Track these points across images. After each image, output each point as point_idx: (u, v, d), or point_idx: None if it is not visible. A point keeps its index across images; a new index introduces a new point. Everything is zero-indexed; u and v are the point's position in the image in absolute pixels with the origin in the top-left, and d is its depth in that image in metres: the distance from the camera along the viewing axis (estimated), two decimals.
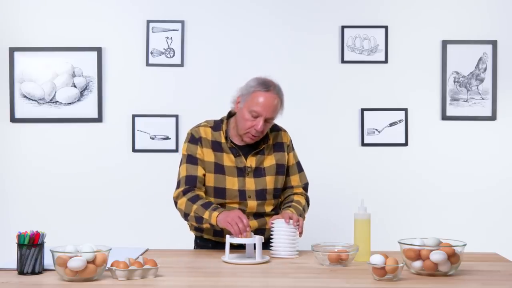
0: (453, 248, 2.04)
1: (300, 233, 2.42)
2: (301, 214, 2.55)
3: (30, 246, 2.03)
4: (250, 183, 2.54)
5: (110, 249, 2.02)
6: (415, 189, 3.73)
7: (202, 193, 2.52)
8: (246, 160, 2.55)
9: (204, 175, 2.53)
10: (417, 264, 2.05)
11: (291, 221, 2.38)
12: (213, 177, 2.53)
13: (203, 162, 2.54)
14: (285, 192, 2.67)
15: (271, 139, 2.63)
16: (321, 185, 3.61)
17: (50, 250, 1.98)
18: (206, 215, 2.41)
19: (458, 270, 2.09)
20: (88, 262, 1.94)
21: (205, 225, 2.44)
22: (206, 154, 2.54)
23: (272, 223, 2.41)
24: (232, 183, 2.53)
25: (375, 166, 3.74)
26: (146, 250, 2.52)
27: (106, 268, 2.01)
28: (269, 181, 2.56)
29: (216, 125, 2.60)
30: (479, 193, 3.73)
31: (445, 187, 3.74)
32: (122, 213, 3.71)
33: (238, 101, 2.53)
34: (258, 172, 2.56)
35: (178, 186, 2.54)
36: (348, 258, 2.22)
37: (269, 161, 2.59)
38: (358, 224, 2.34)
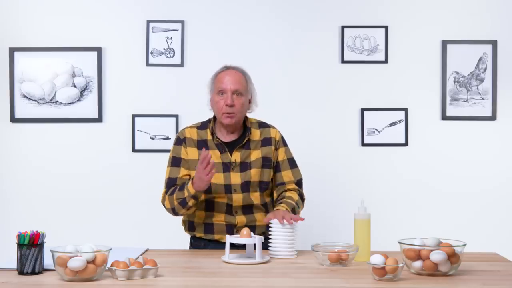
0: (453, 248, 2.04)
1: (301, 219, 2.43)
2: (294, 208, 2.55)
3: (30, 246, 2.03)
4: (236, 178, 2.58)
5: (110, 249, 2.03)
6: (415, 189, 3.73)
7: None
8: (231, 155, 2.59)
9: (187, 175, 2.62)
10: (417, 264, 2.05)
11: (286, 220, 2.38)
12: None
13: (187, 161, 2.62)
14: (278, 189, 2.68)
15: (259, 135, 2.67)
16: (321, 185, 3.61)
17: (50, 250, 1.98)
18: (185, 194, 2.50)
19: (458, 270, 2.09)
20: (88, 262, 1.94)
21: (190, 202, 2.51)
22: (191, 153, 2.62)
23: (271, 223, 2.41)
24: (217, 178, 2.57)
25: (375, 166, 3.74)
26: (146, 250, 2.52)
27: (106, 268, 2.01)
28: (254, 174, 2.60)
29: (203, 125, 2.70)
30: (479, 193, 3.73)
31: (445, 187, 3.73)
32: (122, 213, 3.71)
33: (210, 93, 2.66)
34: (244, 166, 2.61)
35: (163, 188, 2.66)
36: (348, 258, 2.22)
37: (255, 155, 2.63)
38: (358, 224, 2.34)
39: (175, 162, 2.65)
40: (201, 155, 2.41)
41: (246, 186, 2.59)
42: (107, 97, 3.72)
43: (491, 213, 3.72)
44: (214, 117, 2.68)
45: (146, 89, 3.73)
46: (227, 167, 2.59)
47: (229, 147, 2.62)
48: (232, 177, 2.58)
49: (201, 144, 2.63)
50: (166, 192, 2.62)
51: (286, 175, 2.68)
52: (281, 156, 2.68)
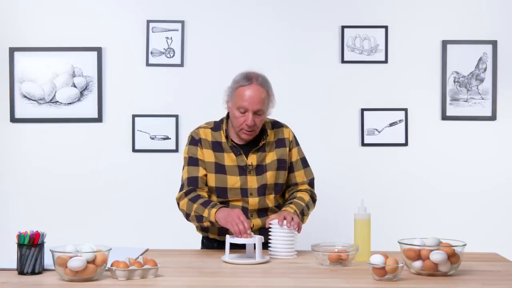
0: (453, 248, 2.04)
1: (298, 230, 2.40)
2: (303, 210, 2.54)
3: (30, 246, 2.03)
4: (252, 181, 2.55)
5: (110, 249, 2.03)
6: (415, 189, 3.73)
7: (204, 193, 2.54)
8: (247, 158, 2.56)
9: (206, 175, 2.56)
10: (417, 264, 2.05)
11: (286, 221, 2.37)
12: (214, 177, 2.55)
13: (204, 162, 2.56)
14: (290, 189, 2.66)
15: (273, 136, 2.64)
16: (321, 185, 3.58)
17: (50, 250, 1.98)
18: (205, 213, 2.43)
19: (458, 270, 2.09)
20: (88, 262, 1.94)
21: (206, 223, 2.46)
22: (207, 155, 2.57)
23: (270, 224, 2.41)
24: (233, 182, 2.54)
25: (375, 166, 3.74)
26: (146, 250, 2.52)
27: (106, 268, 2.01)
28: (270, 176, 2.57)
29: (216, 126, 2.63)
30: (479, 193, 3.73)
31: (445, 187, 3.73)
32: (122, 213, 3.71)
33: (227, 101, 2.58)
34: (260, 169, 2.57)
35: (181, 189, 2.57)
36: (348, 258, 2.22)
37: (271, 157, 2.59)
38: (358, 224, 2.34)
39: (193, 161, 2.57)
40: (244, 233, 2.29)
41: (262, 190, 2.55)
42: (107, 97, 3.72)
43: (491, 213, 3.72)
44: (227, 117, 2.63)
45: (146, 89, 3.73)
46: (243, 170, 2.55)
47: (244, 149, 2.58)
48: (248, 181, 2.55)
49: (216, 146, 2.57)
50: (186, 193, 2.52)
51: (299, 175, 2.65)
52: (295, 156, 2.65)
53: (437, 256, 2.01)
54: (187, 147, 2.61)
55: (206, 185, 2.57)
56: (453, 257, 2.04)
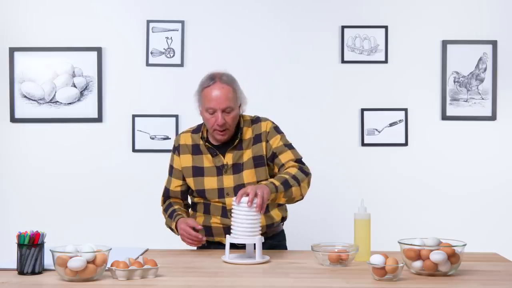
0: (453, 248, 2.04)
1: (259, 209, 2.24)
2: (286, 180, 2.38)
3: (30, 246, 2.03)
4: (228, 181, 2.54)
5: (110, 249, 2.03)
6: (415, 189, 3.73)
7: (175, 200, 2.67)
8: (224, 158, 2.56)
9: (180, 185, 2.65)
10: (417, 264, 2.05)
11: (248, 202, 2.24)
12: (193, 181, 2.59)
13: (179, 171, 2.64)
14: (279, 173, 2.54)
15: (251, 132, 2.58)
16: (321, 185, 3.61)
17: (50, 250, 1.98)
18: (173, 225, 2.55)
19: (458, 270, 2.09)
20: (88, 262, 1.94)
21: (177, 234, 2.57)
22: (184, 160, 2.62)
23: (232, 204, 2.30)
24: (210, 183, 2.55)
25: (375, 166, 3.74)
26: (146, 250, 2.52)
27: (106, 268, 2.01)
28: (247, 175, 2.52)
29: (197, 128, 2.68)
30: (479, 193, 3.73)
31: (445, 187, 3.74)
32: (122, 213, 3.71)
33: (198, 106, 2.60)
34: (237, 168, 2.55)
35: (162, 194, 2.73)
36: (348, 258, 2.22)
37: (247, 155, 2.55)
38: (358, 224, 2.34)
39: (170, 171, 2.69)
40: (194, 235, 2.41)
41: (239, 190, 2.48)
42: (107, 97, 3.72)
43: (491, 213, 3.72)
44: None
45: (146, 89, 3.73)
46: (220, 171, 2.55)
47: (221, 149, 2.57)
48: (224, 180, 2.54)
49: (195, 149, 2.61)
50: (163, 201, 2.70)
51: (284, 156, 2.51)
52: (276, 143, 2.54)
53: (437, 256, 2.01)
54: (170, 154, 2.72)
55: (181, 194, 2.67)
56: (453, 257, 2.04)
